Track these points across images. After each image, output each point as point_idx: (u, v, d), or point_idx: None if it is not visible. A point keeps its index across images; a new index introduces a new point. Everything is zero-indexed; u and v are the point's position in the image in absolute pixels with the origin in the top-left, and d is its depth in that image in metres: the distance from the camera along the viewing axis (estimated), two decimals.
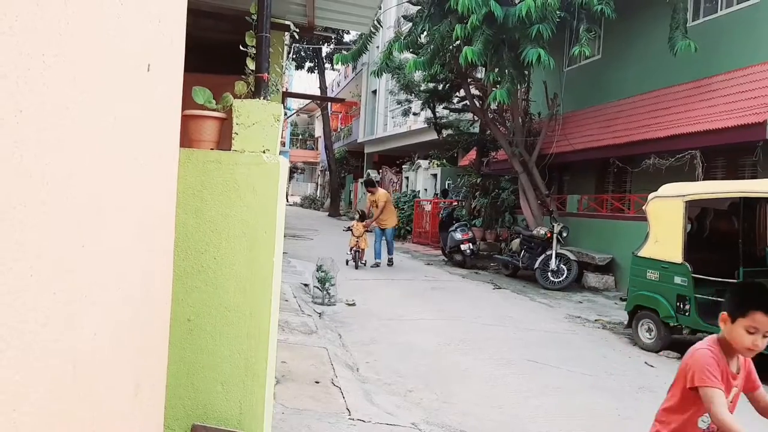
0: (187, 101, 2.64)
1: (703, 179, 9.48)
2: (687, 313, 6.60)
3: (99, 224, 1.40)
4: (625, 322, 7.58)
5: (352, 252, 12.43)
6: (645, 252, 7.18)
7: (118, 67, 1.47)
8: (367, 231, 12.58)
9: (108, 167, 1.46)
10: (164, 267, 2.03)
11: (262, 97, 2.87)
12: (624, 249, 10.17)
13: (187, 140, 2.76)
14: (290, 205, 41.39)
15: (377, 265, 12.63)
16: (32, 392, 1.12)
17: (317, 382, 4.79)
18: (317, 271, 8.53)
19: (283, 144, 47.28)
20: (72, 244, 1.24)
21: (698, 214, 7.62)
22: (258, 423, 2.67)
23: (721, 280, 6.39)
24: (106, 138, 1.43)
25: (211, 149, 2.76)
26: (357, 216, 13.12)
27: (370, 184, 13.52)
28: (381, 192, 13.33)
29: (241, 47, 2.89)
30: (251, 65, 2.90)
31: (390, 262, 12.86)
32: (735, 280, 6.21)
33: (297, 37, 5.60)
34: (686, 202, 6.75)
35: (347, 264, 12.19)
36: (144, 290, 1.77)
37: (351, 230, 12.51)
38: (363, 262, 12.52)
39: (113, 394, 1.56)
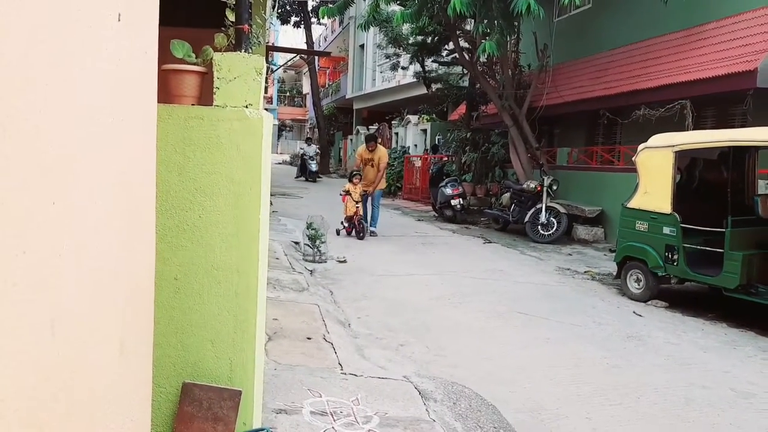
0: (166, 56, 2.56)
1: (694, 129, 9.45)
2: (675, 263, 6.66)
3: (71, 180, 1.36)
4: (614, 273, 7.66)
5: (353, 221, 10.80)
6: (634, 203, 7.20)
7: (85, 15, 1.40)
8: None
9: (78, 121, 1.40)
10: (146, 225, 1.99)
11: (243, 50, 2.79)
12: (613, 201, 10.21)
13: (166, 96, 2.69)
14: (279, 163, 41.11)
15: (373, 234, 11.12)
16: (4, 354, 1.10)
17: (309, 338, 4.82)
18: (308, 228, 8.52)
19: (270, 101, 46.83)
20: (40, 200, 1.20)
21: (688, 164, 7.62)
22: (249, 379, 2.68)
23: (710, 229, 6.43)
24: (72, 91, 1.37)
25: (193, 105, 2.69)
26: (357, 179, 11.02)
27: (372, 139, 11.56)
28: (382, 150, 11.60)
29: None
30: (231, 17, 2.80)
31: (372, 233, 11.12)
32: (723, 230, 6.24)
33: None
34: (676, 152, 6.74)
35: (338, 234, 10.69)
36: (125, 248, 1.74)
37: (349, 194, 10.77)
38: (371, 231, 11.03)
39: (96, 352, 1.54)
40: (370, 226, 11.20)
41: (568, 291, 7.46)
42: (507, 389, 4.29)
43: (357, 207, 10.79)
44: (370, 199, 11.27)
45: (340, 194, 11.17)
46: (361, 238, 10.63)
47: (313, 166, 24.54)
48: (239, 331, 2.66)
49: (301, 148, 25.81)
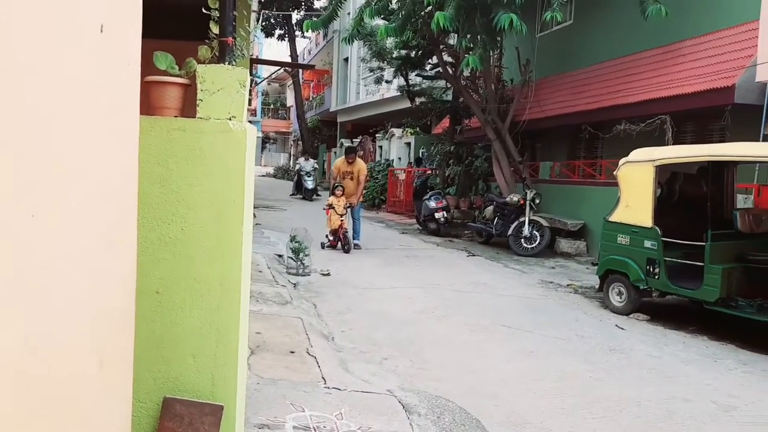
0: (149, 68, 2.55)
1: (673, 144, 9.58)
2: (657, 276, 6.72)
3: (50, 193, 1.34)
4: (597, 286, 7.70)
5: (338, 234, 10.67)
6: (616, 217, 7.26)
7: (66, 26, 1.39)
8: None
9: (58, 133, 1.39)
10: (127, 238, 1.97)
11: (227, 63, 2.79)
12: (595, 214, 10.29)
13: (149, 108, 2.67)
14: (263, 176, 40.98)
15: (357, 246, 10.97)
16: None
17: (292, 352, 4.78)
18: (291, 241, 8.49)
19: (254, 113, 46.70)
20: (19, 213, 1.18)
21: (668, 178, 7.70)
22: (231, 394, 2.65)
23: (690, 243, 6.49)
24: (53, 102, 1.36)
25: (175, 117, 2.68)
26: (340, 191, 10.86)
27: (351, 152, 11.52)
28: (361, 163, 11.52)
29: (203, 10, 2.79)
30: (215, 29, 2.80)
31: (355, 246, 10.95)
32: (703, 243, 6.31)
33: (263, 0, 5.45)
34: (656, 166, 6.82)
35: (323, 247, 10.63)
36: (105, 261, 1.71)
37: (333, 208, 10.68)
38: (355, 244, 10.87)
39: (75, 368, 1.51)
40: (354, 239, 11.05)
41: (551, 304, 7.48)
42: (491, 403, 4.28)
43: (342, 220, 10.64)
44: (350, 212, 11.07)
45: (324, 208, 11.03)
46: (347, 252, 10.50)
47: (310, 183, 21.45)
48: (221, 345, 2.64)
49: (297, 163, 22.69)
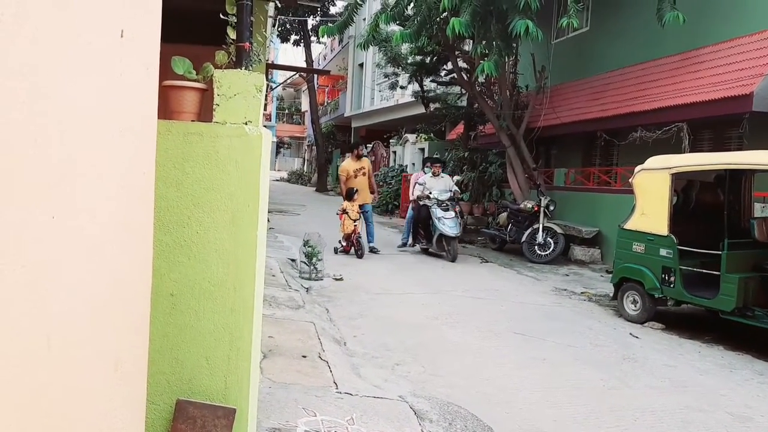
0: (167, 72, 2.57)
1: (690, 152, 9.51)
2: (672, 285, 6.66)
3: (71, 195, 1.36)
4: (611, 295, 7.65)
5: (351, 240, 10.57)
6: (631, 224, 7.21)
7: (87, 30, 1.41)
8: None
9: (79, 136, 1.41)
10: (144, 240, 1.99)
11: (243, 68, 2.81)
12: (610, 222, 10.23)
13: (167, 112, 2.70)
14: (277, 180, 41.19)
15: (375, 251, 10.97)
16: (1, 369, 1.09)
17: (304, 357, 4.79)
18: (304, 246, 8.51)
19: (269, 118, 46.94)
20: (40, 214, 1.20)
21: (684, 186, 7.65)
22: (243, 397, 2.67)
23: (706, 252, 6.44)
24: (73, 105, 1.38)
25: (192, 121, 2.71)
26: (358, 195, 10.78)
27: (356, 147, 11.54)
28: (365, 158, 11.53)
29: (221, 16, 2.82)
30: (232, 34, 2.83)
31: (372, 250, 10.93)
32: (720, 252, 6.25)
33: (279, 6, 5.49)
34: (672, 174, 6.77)
35: (336, 253, 10.57)
36: (122, 264, 1.73)
37: (346, 213, 10.57)
38: (372, 247, 10.84)
39: (91, 368, 1.53)
40: (369, 242, 11.00)
41: (565, 312, 7.44)
42: (503, 410, 4.26)
43: (355, 225, 10.52)
44: (363, 215, 10.96)
45: (337, 213, 10.97)
46: (360, 257, 10.43)
47: (451, 227, 10.81)
48: (234, 348, 2.65)
49: (418, 183, 11.90)
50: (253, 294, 2.68)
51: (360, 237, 10.62)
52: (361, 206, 10.86)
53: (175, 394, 2.61)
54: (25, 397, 1.20)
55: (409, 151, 22.49)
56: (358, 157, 11.31)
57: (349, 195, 10.79)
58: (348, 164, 11.38)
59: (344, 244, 10.72)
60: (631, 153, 11.07)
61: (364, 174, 11.14)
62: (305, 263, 8.43)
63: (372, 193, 11.32)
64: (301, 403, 3.78)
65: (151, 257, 2.13)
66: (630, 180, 7.44)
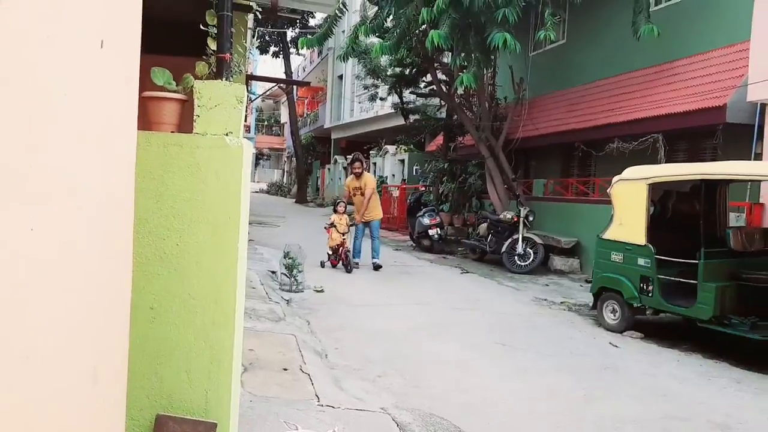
0: (147, 83, 2.56)
1: (666, 162, 9.65)
2: (650, 294, 6.73)
3: (50, 207, 1.34)
4: (590, 304, 7.71)
5: (339, 253, 10.39)
6: (609, 234, 7.28)
7: (67, 40, 1.40)
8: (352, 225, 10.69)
9: (57, 147, 1.39)
10: (123, 253, 1.97)
11: (224, 78, 2.81)
12: (589, 232, 10.33)
13: (146, 123, 2.68)
14: (257, 192, 41.04)
15: (356, 265, 10.53)
16: None
17: (285, 369, 4.75)
18: (284, 258, 8.47)
19: (248, 130, 46.77)
20: (19, 226, 1.18)
21: (661, 196, 7.75)
22: (224, 411, 2.64)
23: (684, 261, 6.52)
24: (52, 116, 1.37)
25: (172, 132, 2.69)
26: (342, 206, 10.66)
27: (356, 161, 11.02)
28: (368, 176, 11.04)
29: (201, 27, 2.81)
30: (212, 45, 2.83)
31: (376, 267, 10.58)
32: (697, 261, 6.34)
33: (260, 17, 5.49)
34: (649, 184, 6.86)
35: (322, 266, 10.41)
36: (101, 276, 1.71)
37: (334, 226, 10.35)
38: (354, 265, 10.45)
39: (69, 382, 1.50)
40: (373, 258, 10.66)
41: (545, 322, 7.48)
42: (485, 421, 4.26)
43: (343, 238, 10.31)
44: (368, 230, 10.77)
45: (325, 227, 10.71)
46: (349, 272, 10.14)
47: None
48: (215, 361, 2.63)
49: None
50: (234, 307, 2.66)
51: (348, 251, 10.38)
52: (366, 223, 10.73)
53: (155, 408, 2.58)
54: (1, 412, 1.18)
55: (389, 162, 22.57)
56: (358, 176, 10.85)
57: (334, 206, 10.81)
58: (349, 182, 11.13)
59: (331, 255, 10.55)
60: (609, 163, 11.22)
61: (362, 194, 10.75)
62: (286, 275, 8.38)
63: (362, 214, 10.76)
64: (282, 416, 3.74)
65: (131, 270, 2.11)
66: (608, 190, 7.52)
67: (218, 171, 2.62)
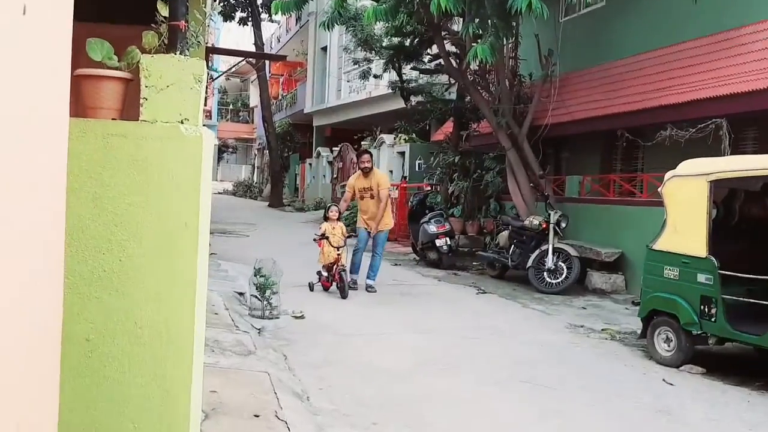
0: (81, 59, 2.56)
1: (731, 154, 9.67)
2: (713, 319, 6.73)
3: None
4: (639, 332, 7.71)
5: (333, 272, 10.05)
6: (661, 244, 7.29)
7: None
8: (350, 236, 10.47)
9: None
10: (52, 271, 1.96)
11: (178, 52, 2.81)
12: (636, 241, 10.33)
13: (80, 108, 2.68)
14: (220, 193, 41.05)
15: (354, 285, 10.40)
16: None
17: (257, 416, 4.74)
18: (255, 276, 8.46)
19: (208, 115, 46.85)
20: None
21: (726, 196, 7.77)
22: None
23: (755, 277, 6.52)
24: None
25: (113, 119, 2.69)
26: (335, 212, 10.46)
27: (365, 154, 11.00)
28: (380, 174, 10.96)
29: None
30: (163, 11, 2.83)
31: (369, 289, 10.52)
32: None
33: None
34: (711, 182, 6.87)
35: (311, 289, 10.24)
36: (24, 302, 1.70)
37: (326, 238, 10.06)
38: (352, 284, 10.24)
39: None
40: (368, 278, 10.64)
41: (582, 354, 7.48)
42: None
43: (338, 254, 9.97)
44: (371, 240, 10.68)
45: (314, 239, 10.38)
46: (344, 296, 9.80)
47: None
48: (169, 407, 2.62)
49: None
50: (192, 338, 2.65)
51: (343, 270, 10.01)
52: (370, 232, 10.64)
53: None
54: None
55: (386, 155, 22.60)
56: (366, 173, 10.70)
57: (325, 211, 10.70)
58: (354, 180, 10.91)
59: (324, 275, 10.26)
60: (660, 156, 11.24)
61: (372, 196, 10.60)
62: (256, 297, 8.37)
63: (373, 221, 10.63)
64: None
65: (62, 293, 2.10)
66: (659, 189, 7.53)
67: (171, 168, 2.61)
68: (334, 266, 10.04)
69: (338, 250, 10.02)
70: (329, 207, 10.75)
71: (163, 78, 2.67)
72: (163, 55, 2.73)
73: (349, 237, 10.44)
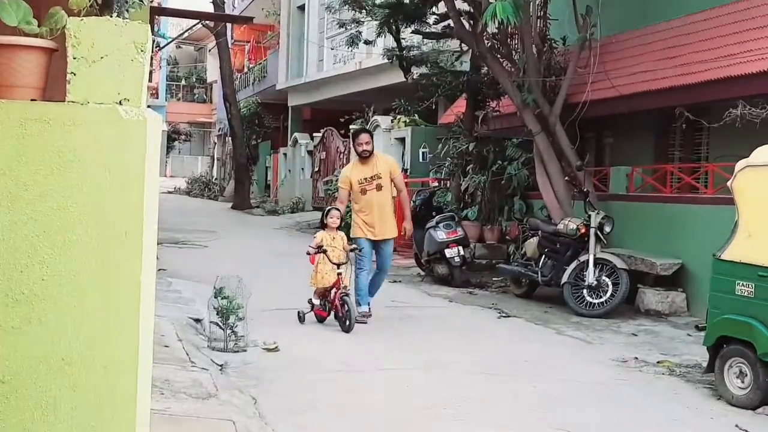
0: None
1: None
2: None
3: None
4: (704, 364, 7.71)
5: (332, 298, 9.57)
6: (732, 253, 7.29)
7: None
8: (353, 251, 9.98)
9: None
10: None
11: (114, 14, 2.81)
12: (700, 249, 10.33)
13: None
14: (170, 192, 41.03)
15: (364, 318, 9.93)
16: None
17: None
18: (216, 297, 8.44)
19: (155, 94, 46.87)
20: None
21: None
22: None
23: None
24: None
25: (33, 100, 2.69)
26: (336, 217, 9.99)
27: (362, 133, 10.80)
28: (385, 157, 10.93)
29: None
30: None
31: (361, 317, 9.87)
32: None
33: None
34: None
35: (301, 321, 9.79)
36: None
37: (324, 252, 9.56)
38: (360, 317, 9.74)
39: None
40: (362, 301, 10.16)
41: (633, 393, 7.48)
42: None
43: (339, 274, 9.54)
44: (374, 253, 10.40)
45: (308, 252, 9.88)
46: (347, 330, 9.34)
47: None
48: None
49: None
50: (135, 378, 2.65)
51: (346, 295, 9.52)
52: (377, 242, 10.25)
53: None
54: None
55: (381, 140, 22.58)
56: (366, 158, 10.39)
57: (323, 215, 10.31)
58: (350, 171, 10.60)
59: (317, 303, 9.82)
60: (729, 140, 11.25)
61: (380, 187, 10.22)
62: (218, 325, 8.35)
63: (384, 225, 10.31)
64: None
65: None
66: (729, 183, 7.54)
67: (108, 160, 2.61)
68: (333, 291, 9.58)
69: (339, 268, 9.60)
70: (329, 210, 10.22)
71: (95, 47, 2.66)
72: (95, 18, 2.72)
73: (353, 249, 10.03)
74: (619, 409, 6.96)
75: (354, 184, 10.32)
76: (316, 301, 9.79)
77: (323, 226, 10.12)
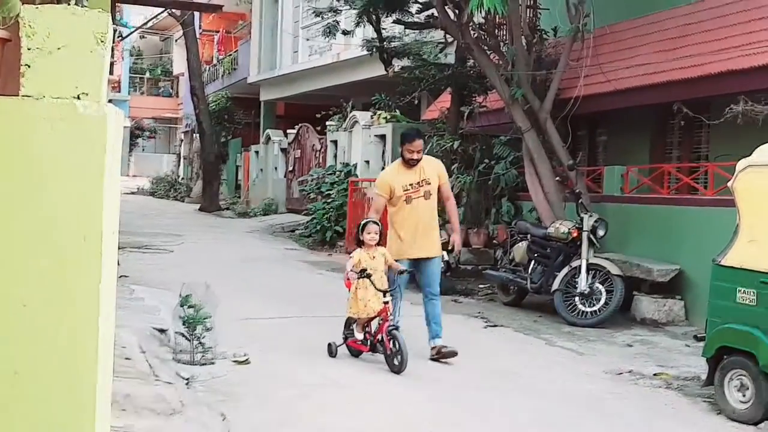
0: None
1: None
2: None
3: None
4: (703, 377, 7.74)
5: (376, 332, 8.65)
6: (733, 258, 7.32)
7: None
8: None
9: None
10: None
11: (72, 2, 2.80)
12: (699, 254, 10.37)
13: None
14: (133, 193, 40.88)
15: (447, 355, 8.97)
16: None
17: None
18: (182, 306, 8.41)
19: (116, 87, 46.71)
20: None
21: None
22: None
23: None
24: None
25: None
26: (374, 232, 8.74)
27: (415, 137, 9.24)
28: (433, 161, 9.74)
29: None
30: None
31: (443, 355, 8.95)
32: None
33: None
34: None
35: (332, 354, 8.88)
36: None
37: (367, 276, 8.52)
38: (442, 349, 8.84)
39: None
40: (435, 337, 9.19)
41: (628, 407, 7.50)
42: None
43: (385, 303, 8.60)
44: (418, 275, 9.44)
45: (346, 278, 8.91)
46: (398, 371, 8.26)
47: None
48: None
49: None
50: (94, 393, 2.64)
51: (396, 329, 8.51)
52: (416, 261, 9.18)
53: None
54: None
55: (360, 139, 22.60)
56: (411, 164, 9.19)
57: (359, 230, 8.98)
58: (391, 177, 9.46)
59: (358, 338, 8.87)
60: (730, 138, 11.30)
61: (428, 195, 9.19)
62: (184, 336, 8.33)
63: (429, 238, 9.26)
64: None
65: None
66: (729, 184, 7.58)
67: (64, 160, 2.60)
68: (381, 321, 8.65)
69: (385, 296, 8.64)
70: (365, 224, 8.88)
71: (52, 37, 2.65)
72: (52, 6, 2.72)
73: (402, 272, 9.03)
74: (614, 424, 6.98)
75: (397, 190, 9.13)
76: (359, 336, 8.80)
77: (359, 243, 8.94)
